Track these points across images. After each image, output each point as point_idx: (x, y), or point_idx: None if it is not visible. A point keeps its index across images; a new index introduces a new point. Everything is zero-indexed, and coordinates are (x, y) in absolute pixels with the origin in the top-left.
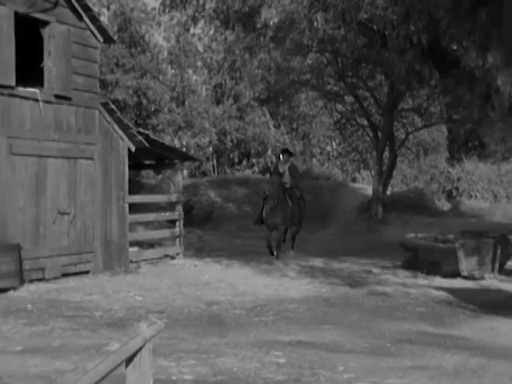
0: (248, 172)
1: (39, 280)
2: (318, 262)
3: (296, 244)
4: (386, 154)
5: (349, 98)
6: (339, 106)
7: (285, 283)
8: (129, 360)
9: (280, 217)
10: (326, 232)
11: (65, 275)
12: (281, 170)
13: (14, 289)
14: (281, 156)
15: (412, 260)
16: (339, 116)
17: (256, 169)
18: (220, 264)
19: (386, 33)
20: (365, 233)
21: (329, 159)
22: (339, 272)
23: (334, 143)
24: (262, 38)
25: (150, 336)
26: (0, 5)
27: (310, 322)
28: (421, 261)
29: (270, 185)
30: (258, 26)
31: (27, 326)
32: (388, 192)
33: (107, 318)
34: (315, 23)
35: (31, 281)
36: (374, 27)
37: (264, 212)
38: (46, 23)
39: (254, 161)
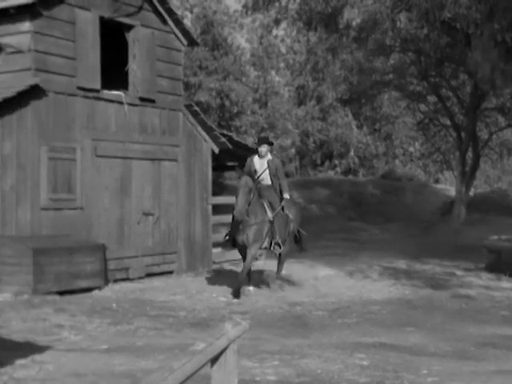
0: (330, 173)
1: (123, 280)
2: (401, 264)
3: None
4: (469, 154)
5: (432, 98)
6: (422, 106)
7: (368, 285)
8: (214, 360)
9: (252, 233)
10: (408, 233)
11: (149, 275)
12: (257, 167)
13: (99, 288)
14: (259, 149)
15: (495, 262)
16: (422, 116)
17: (338, 170)
18: (303, 265)
19: (470, 32)
20: (447, 234)
21: (411, 160)
22: (422, 274)
23: (416, 144)
24: (344, 39)
25: (234, 336)
26: (85, 10)
27: (393, 324)
28: (504, 263)
29: (238, 190)
30: (341, 26)
31: (112, 325)
32: (471, 193)
33: (191, 318)
34: (398, 23)
35: (116, 280)
36: (458, 26)
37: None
38: (130, 27)
39: (336, 162)
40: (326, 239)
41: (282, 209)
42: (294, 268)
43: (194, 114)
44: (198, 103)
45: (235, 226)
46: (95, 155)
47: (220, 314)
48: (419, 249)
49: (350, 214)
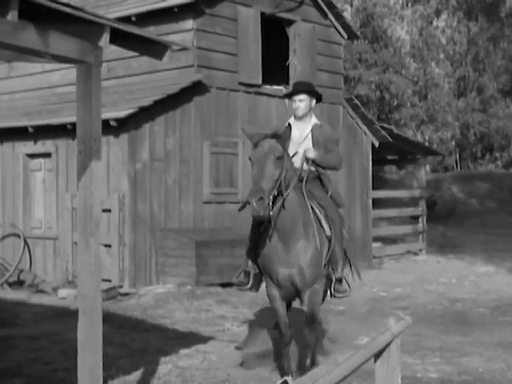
0: (491, 166)
1: None
2: None
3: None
4: None
5: None
6: None
7: None
8: (377, 355)
9: (303, 257)
10: None
11: None
12: (293, 135)
13: None
14: (293, 100)
15: None
16: None
17: (499, 163)
18: (463, 261)
19: None
20: None
21: None
22: None
23: None
24: (506, 28)
25: (398, 332)
26: (247, 7)
27: None
28: None
29: (255, 164)
30: (503, 15)
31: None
32: None
33: (350, 312)
34: None
35: None
36: None
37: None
38: (291, 22)
39: (497, 155)
40: (486, 234)
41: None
42: (453, 264)
43: (354, 108)
44: (358, 96)
45: (256, 239)
46: None
47: (380, 308)
48: None
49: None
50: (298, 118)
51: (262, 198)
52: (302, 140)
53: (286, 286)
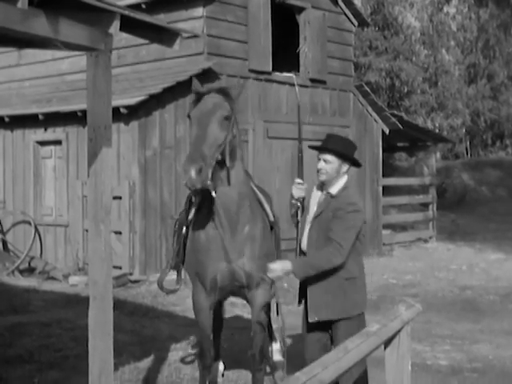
0: (502, 154)
1: None
2: None
3: None
4: None
5: None
6: None
7: None
8: (388, 342)
9: (252, 246)
10: None
11: None
12: (312, 202)
13: None
14: (318, 158)
15: None
16: None
17: (510, 150)
18: (473, 248)
19: None
20: None
21: None
22: None
23: None
24: None
25: (408, 319)
26: None
27: None
28: None
29: (195, 128)
30: None
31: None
32: None
33: None
34: None
35: None
36: None
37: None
38: (301, 9)
39: (507, 142)
40: (497, 222)
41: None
42: (463, 252)
43: (365, 95)
44: (368, 84)
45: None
46: (267, 137)
47: (390, 295)
48: None
49: None
50: (320, 184)
51: (201, 167)
52: (312, 216)
53: (224, 285)
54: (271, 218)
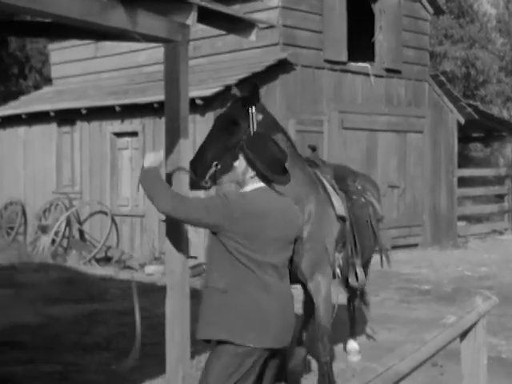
0: None
1: None
2: None
3: None
4: None
5: None
6: None
7: None
8: (464, 334)
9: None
10: None
11: (394, 247)
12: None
13: None
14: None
15: None
16: None
17: None
18: None
19: None
20: None
21: None
22: None
23: None
24: None
25: (484, 311)
26: None
27: None
28: None
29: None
30: None
31: None
32: None
33: (435, 292)
34: None
35: None
36: None
37: None
38: None
39: None
40: None
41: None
42: None
43: (440, 84)
44: (443, 73)
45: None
46: (342, 127)
47: (465, 288)
48: None
49: None
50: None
51: None
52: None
53: None
54: (339, 213)
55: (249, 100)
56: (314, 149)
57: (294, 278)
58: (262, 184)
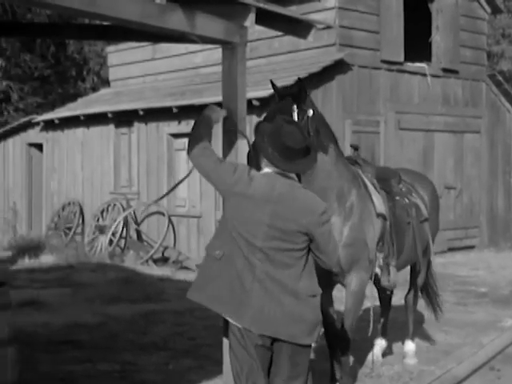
0: None
1: None
2: None
3: None
4: None
5: None
6: None
7: None
8: None
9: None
10: None
11: (450, 249)
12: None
13: None
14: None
15: None
16: None
17: None
18: None
19: None
20: None
21: None
22: None
23: None
24: None
25: None
26: None
27: None
28: None
29: None
30: None
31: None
32: None
33: (492, 294)
34: None
35: None
36: None
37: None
38: None
39: None
40: None
41: None
42: None
43: (497, 84)
44: (501, 72)
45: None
46: (398, 128)
47: None
48: None
49: None
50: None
51: None
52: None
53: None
54: (378, 211)
55: (297, 96)
56: (356, 148)
57: (331, 280)
58: (273, 169)
